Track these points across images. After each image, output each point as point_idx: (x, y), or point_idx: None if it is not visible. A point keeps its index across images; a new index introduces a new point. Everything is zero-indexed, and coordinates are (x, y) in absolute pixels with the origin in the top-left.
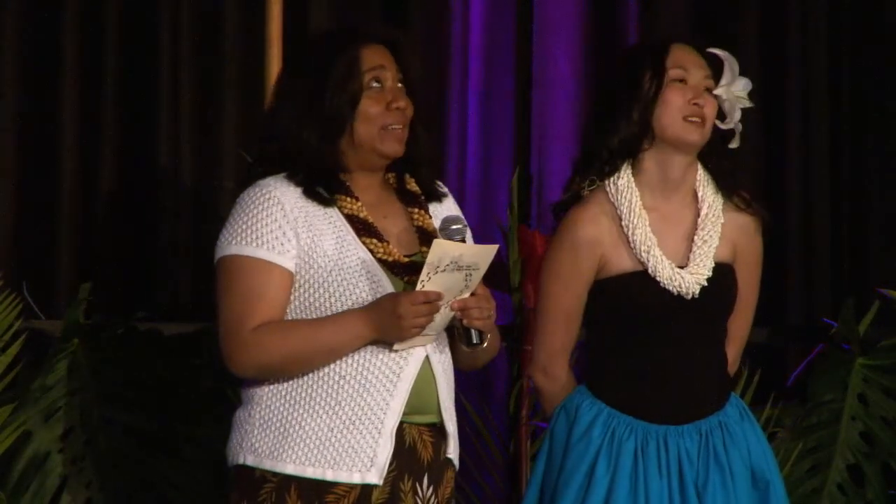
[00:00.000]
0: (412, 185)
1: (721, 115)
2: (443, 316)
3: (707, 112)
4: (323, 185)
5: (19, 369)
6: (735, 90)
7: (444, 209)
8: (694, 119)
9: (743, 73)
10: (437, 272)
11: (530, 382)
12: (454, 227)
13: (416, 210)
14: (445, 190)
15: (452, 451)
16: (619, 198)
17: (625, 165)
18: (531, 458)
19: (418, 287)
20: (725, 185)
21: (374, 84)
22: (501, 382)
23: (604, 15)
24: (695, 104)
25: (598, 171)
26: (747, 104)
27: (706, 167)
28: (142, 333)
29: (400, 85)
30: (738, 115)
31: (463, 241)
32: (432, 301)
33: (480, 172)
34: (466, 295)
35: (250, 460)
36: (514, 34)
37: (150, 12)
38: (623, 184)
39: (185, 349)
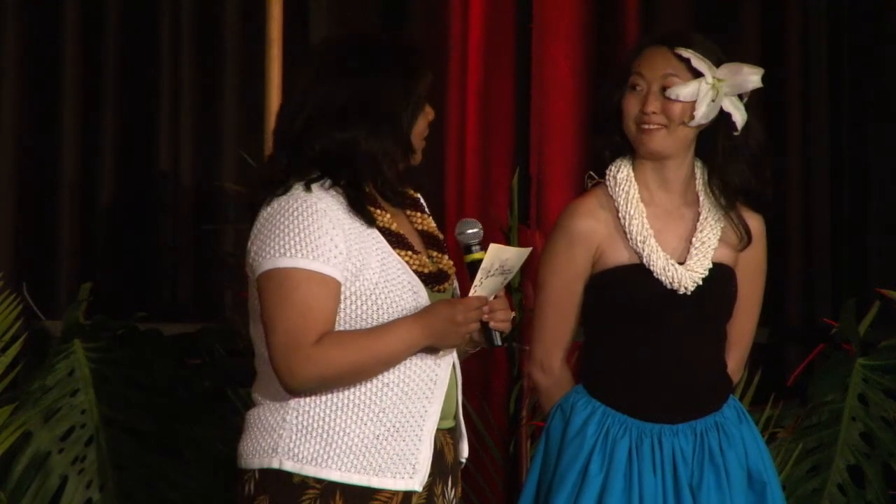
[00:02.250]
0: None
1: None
2: None
3: (658, 119)
4: (364, 198)
5: (19, 370)
6: (724, 86)
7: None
8: (646, 126)
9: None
10: (488, 276)
11: (531, 382)
12: (471, 230)
13: (417, 213)
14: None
15: (466, 452)
16: (617, 190)
17: (626, 160)
18: (531, 458)
19: (472, 291)
20: (724, 197)
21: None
22: (501, 382)
23: (604, 15)
24: (643, 112)
25: (596, 168)
26: (748, 88)
27: (710, 170)
28: (142, 333)
29: None
30: (708, 110)
31: (480, 244)
32: (483, 305)
33: (480, 172)
34: (492, 298)
35: (289, 465)
36: (514, 34)
37: (151, 12)
38: (622, 177)
39: (185, 349)
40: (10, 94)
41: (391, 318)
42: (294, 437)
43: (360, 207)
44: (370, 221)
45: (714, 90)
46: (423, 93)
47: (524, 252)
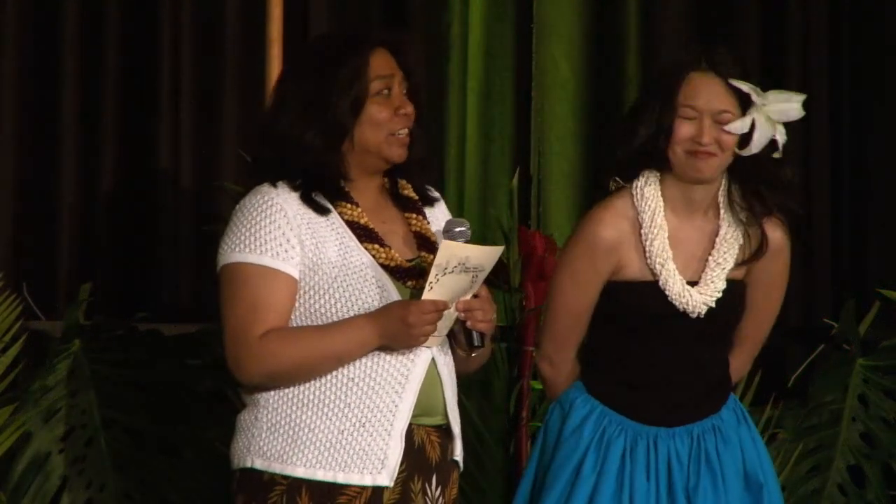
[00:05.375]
0: (408, 191)
1: (745, 142)
2: (448, 317)
3: (713, 149)
4: (322, 191)
5: (20, 370)
6: (770, 112)
7: (437, 213)
8: (699, 155)
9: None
10: (444, 274)
11: (531, 383)
12: (458, 229)
13: (414, 215)
14: (437, 194)
15: (458, 452)
16: (643, 205)
17: (654, 174)
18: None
19: (426, 288)
20: (746, 213)
21: (384, 91)
22: (501, 382)
23: (604, 15)
24: (698, 142)
25: (621, 173)
26: (793, 116)
27: (732, 189)
28: (142, 334)
29: (405, 90)
30: (764, 139)
31: (467, 242)
32: (440, 309)
33: (480, 172)
34: (469, 296)
35: (258, 464)
36: (514, 34)
37: (151, 13)
38: (650, 192)
39: (186, 350)
40: (11, 95)
41: (350, 312)
42: (264, 435)
43: (310, 199)
44: (322, 211)
45: (768, 120)
46: (357, 86)
47: (493, 251)
